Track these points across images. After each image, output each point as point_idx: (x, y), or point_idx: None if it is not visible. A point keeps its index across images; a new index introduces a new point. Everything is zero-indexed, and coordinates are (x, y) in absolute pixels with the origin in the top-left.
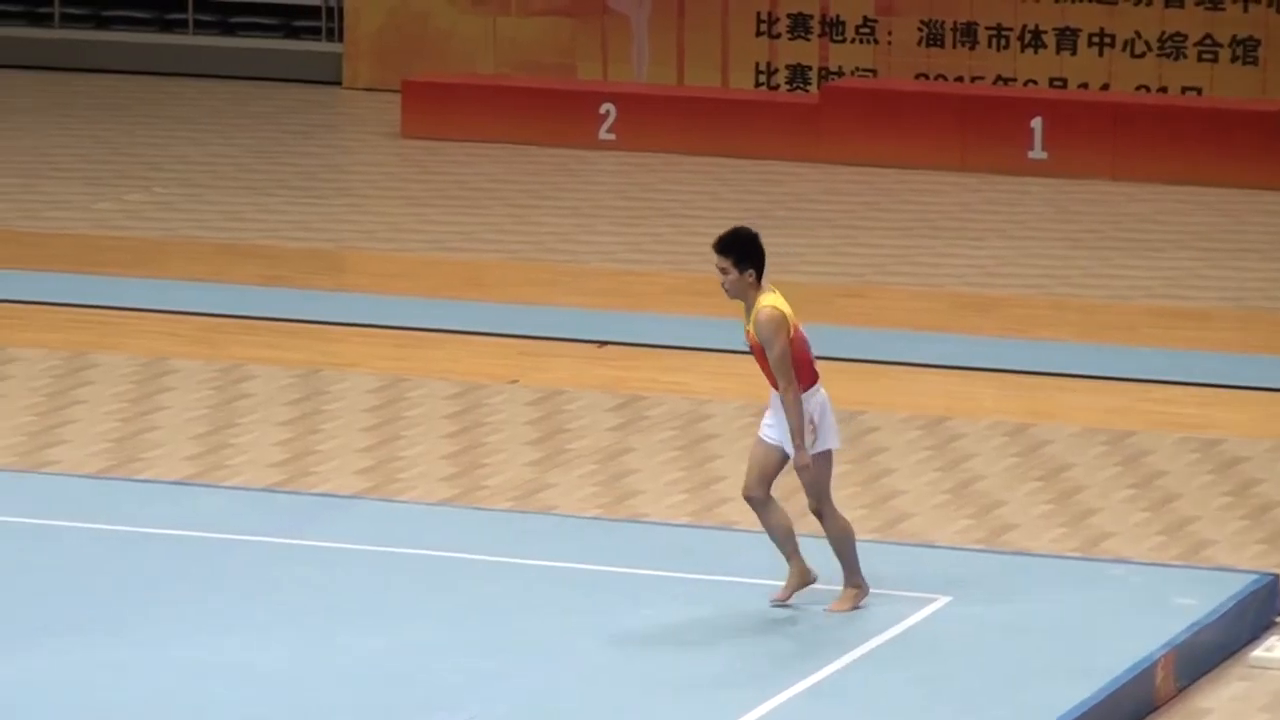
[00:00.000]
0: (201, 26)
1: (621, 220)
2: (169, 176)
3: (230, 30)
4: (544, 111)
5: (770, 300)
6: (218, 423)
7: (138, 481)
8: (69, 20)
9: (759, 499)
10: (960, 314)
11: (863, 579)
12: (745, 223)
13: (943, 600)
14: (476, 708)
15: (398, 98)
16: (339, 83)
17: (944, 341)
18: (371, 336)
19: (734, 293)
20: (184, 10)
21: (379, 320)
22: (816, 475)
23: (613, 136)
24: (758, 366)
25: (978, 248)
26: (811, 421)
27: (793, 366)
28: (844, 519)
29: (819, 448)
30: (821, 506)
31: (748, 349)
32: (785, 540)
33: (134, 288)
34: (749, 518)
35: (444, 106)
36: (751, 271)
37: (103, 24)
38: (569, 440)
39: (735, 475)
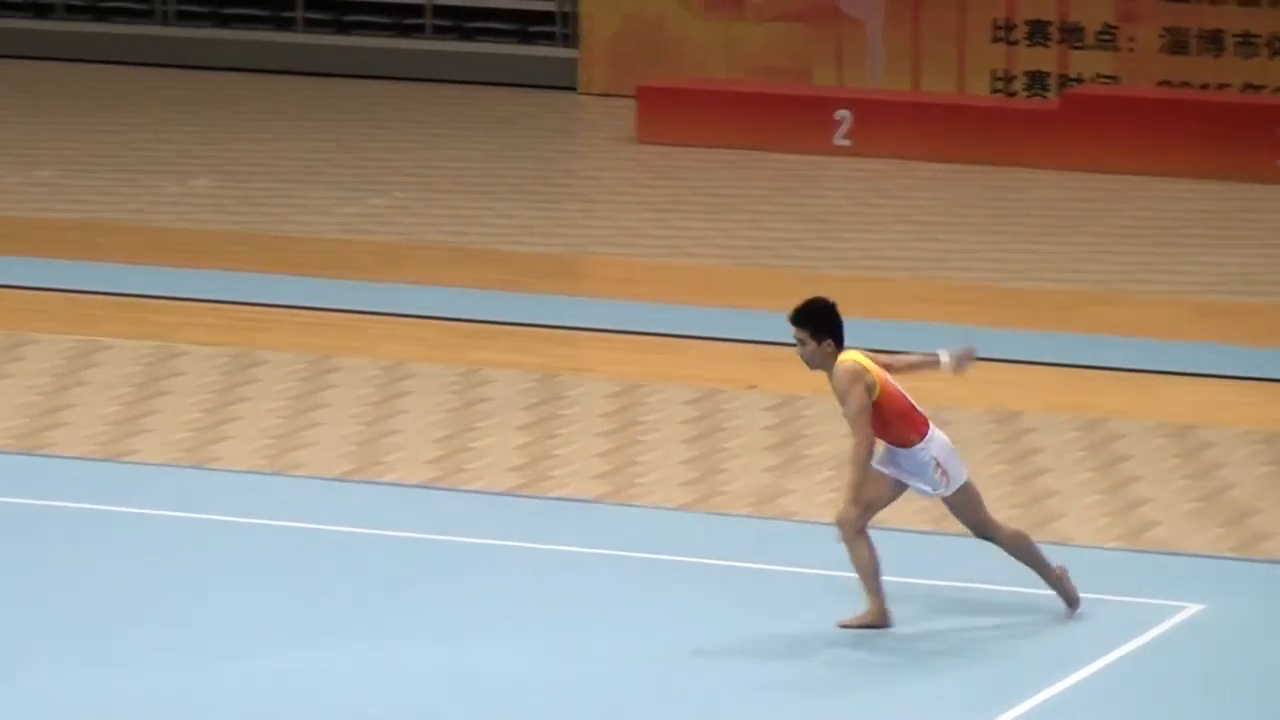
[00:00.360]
0: (439, 32)
1: (857, 226)
2: (408, 181)
3: (467, 36)
4: (778, 117)
5: (849, 356)
6: (458, 426)
7: (379, 485)
8: (311, 25)
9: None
10: (1207, 321)
11: (1063, 577)
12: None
13: (1194, 608)
14: (716, 709)
15: (632, 103)
16: (574, 88)
17: (1191, 349)
18: (608, 341)
19: (813, 363)
20: (421, 16)
21: (615, 325)
22: (967, 504)
23: (848, 142)
24: (993, 376)
25: (1224, 255)
26: (938, 466)
27: (895, 419)
28: (1017, 532)
29: (952, 488)
30: (991, 529)
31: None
32: (871, 577)
33: (376, 292)
34: None
35: (678, 112)
36: (829, 341)
37: (343, 29)
38: (807, 446)
39: (976, 482)
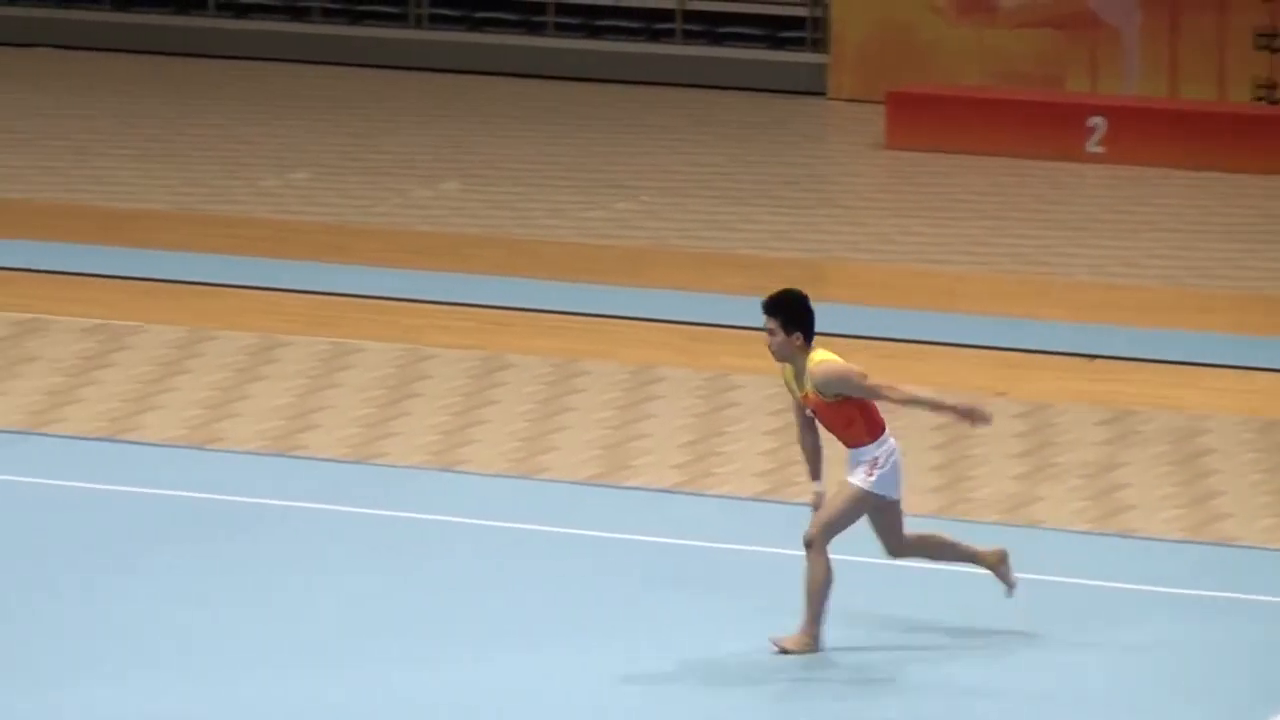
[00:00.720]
0: (689, 37)
1: (1110, 234)
2: (654, 185)
3: (717, 41)
4: (1030, 124)
5: (821, 355)
6: (704, 431)
7: (625, 489)
8: (562, 29)
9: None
10: None
11: (819, 633)
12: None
13: None
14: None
15: (881, 109)
16: (823, 93)
17: None
18: (854, 347)
19: (780, 355)
20: (672, 21)
21: (861, 331)
22: (843, 512)
23: (1101, 149)
24: (1252, 384)
25: None
26: (874, 463)
27: (859, 416)
28: (828, 564)
29: (864, 483)
30: (816, 541)
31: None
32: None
33: (622, 296)
34: (1249, 533)
35: (928, 118)
36: (799, 334)
37: (594, 33)
38: (1057, 453)
39: (1233, 491)
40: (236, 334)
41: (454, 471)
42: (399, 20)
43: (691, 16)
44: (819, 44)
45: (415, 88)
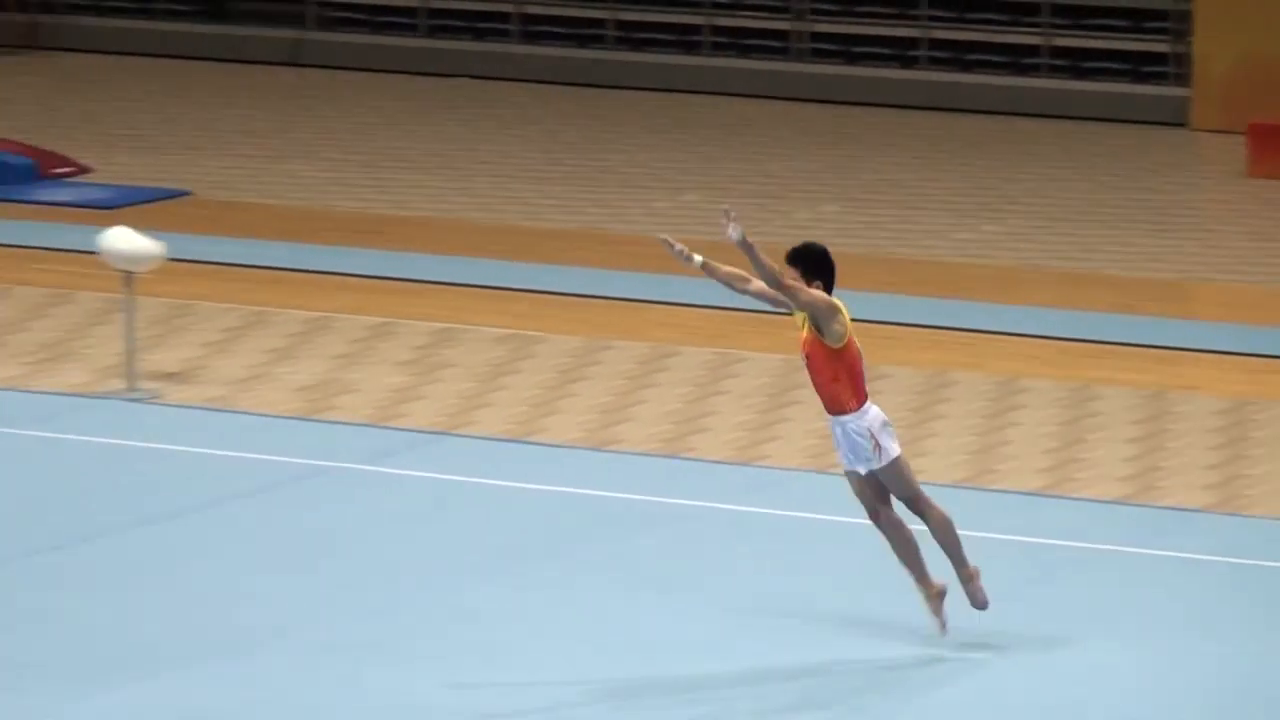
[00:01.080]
0: (1054, 71)
1: None
2: (1021, 209)
3: (1082, 75)
4: None
5: (839, 301)
6: (1067, 439)
7: (989, 491)
8: (934, 63)
9: (888, 516)
10: None
11: (969, 562)
12: None
13: None
14: None
15: (1242, 140)
16: (1184, 124)
17: None
18: (1218, 362)
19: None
20: (1038, 56)
21: (1228, 347)
22: (900, 479)
23: None
24: None
25: None
26: (873, 438)
27: (845, 374)
28: (940, 512)
29: (884, 461)
30: (917, 503)
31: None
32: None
33: (992, 312)
34: None
35: None
36: (819, 284)
37: (965, 67)
38: None
39: None
40: (630, 344)
41: (829, 474)
42: (782, 54)
43: (1058, 52)
44: (1181, 78)
45: (797, 117)
